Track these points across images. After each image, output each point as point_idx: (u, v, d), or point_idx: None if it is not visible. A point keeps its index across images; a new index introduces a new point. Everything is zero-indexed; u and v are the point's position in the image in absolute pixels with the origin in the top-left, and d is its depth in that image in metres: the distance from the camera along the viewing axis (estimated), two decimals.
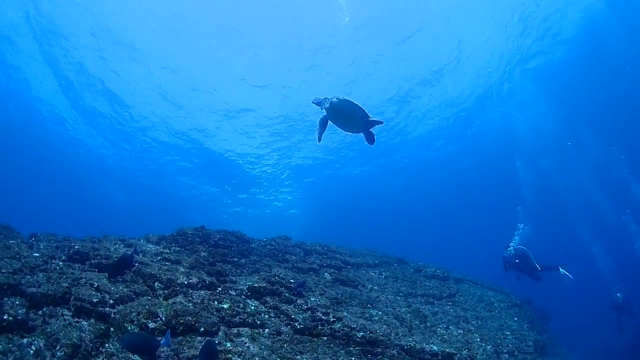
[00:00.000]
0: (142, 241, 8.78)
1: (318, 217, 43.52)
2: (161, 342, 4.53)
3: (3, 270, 5.20)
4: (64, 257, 6.69)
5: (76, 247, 6.85)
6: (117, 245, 7.79)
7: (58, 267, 6.05)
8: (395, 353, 6.19)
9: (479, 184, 35.55)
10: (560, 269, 12.28)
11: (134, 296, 5.75)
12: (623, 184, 26.76)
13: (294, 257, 9.52)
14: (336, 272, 9.27)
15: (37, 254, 6.40)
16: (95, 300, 5.13)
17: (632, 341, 15.76)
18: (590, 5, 18.26)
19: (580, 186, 29.73)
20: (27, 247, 6.76)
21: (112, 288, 5.69)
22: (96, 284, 5.60)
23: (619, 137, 25.10)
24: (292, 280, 7.13)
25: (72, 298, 5.07)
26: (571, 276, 12.20)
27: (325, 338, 6.11)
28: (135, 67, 22.09)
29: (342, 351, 5.86)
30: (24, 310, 4.53)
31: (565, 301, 29.55)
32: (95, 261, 6.56)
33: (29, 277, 5.36)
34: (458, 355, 6.71)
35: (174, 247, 8.32)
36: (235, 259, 8.22)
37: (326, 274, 8.90)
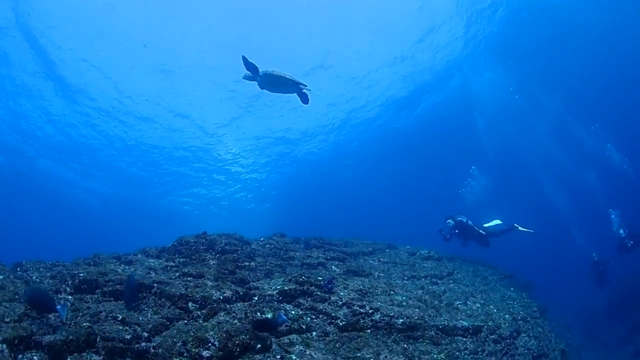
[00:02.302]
0: (140, 256, 8.30)
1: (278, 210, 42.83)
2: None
3: (7, 320, 4.32)
4: (70, 290, 6.02)
5: (81, 275, 6.19)
6: (121, 267, 7.21)
7: (69, 304, 5.33)
8: (434, 334, 6.41)
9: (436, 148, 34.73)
10: (517, 225, 12.81)
11: (169, 323, 5.21)
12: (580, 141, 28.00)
13: (297, 254, 9.40)
14: (341, 263, 9.29)
15: None
16: (127, 336, 4.45)
17: (610, 299, 17.22)
18: None
19: (539, 143, 30.63)
20: (22, 283, 6.00)
21: (140, 318, 5.10)
22: (120, 316, 4.95)
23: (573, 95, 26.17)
24: (320, 278, 6.99)
25: (98, 339, 4.31)
26: (531, 230, 12.75)
27: (369, 330, 6.13)
28: None
29: (389, 340, 5.96)
30: None
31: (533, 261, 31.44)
32: (109, 288, 5.97)
33: (39, 321, 4.53)
34: (485, 326, 7.11)
35: (178, 259, 7.92)
36: (246, 263, 7.95)
37: (333, 267, 8.88)
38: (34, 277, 6.59)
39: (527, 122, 28.96)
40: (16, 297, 5.17)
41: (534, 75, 25.11)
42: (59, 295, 5.70)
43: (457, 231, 12.40)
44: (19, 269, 7.12)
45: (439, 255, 11.49)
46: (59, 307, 4.32)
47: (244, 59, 6.56)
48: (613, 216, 17.21)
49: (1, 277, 6.02)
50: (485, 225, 12.83)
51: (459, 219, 12.52)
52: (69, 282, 6.12)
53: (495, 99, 26.83)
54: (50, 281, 6.39)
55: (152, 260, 7.89)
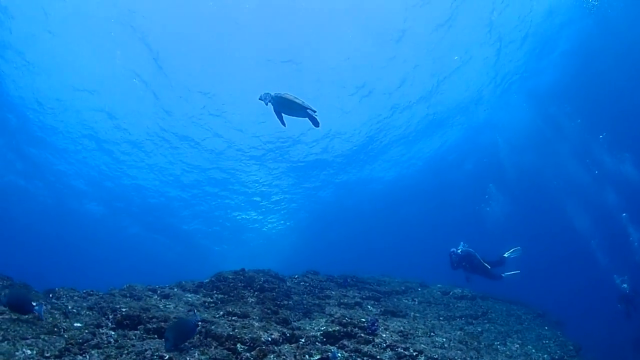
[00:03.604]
0: (176, 290, 8.33)
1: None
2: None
3: (47, 355, 4.27)
4: (111, 325, 5.84)
5: (123, 310, 6.04)
6: (162, 301, 7.26)
7: (112, 340, 5.22)
8: None
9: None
10: (504, 275, 12.39)
11: None
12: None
13: (333, 293, 9.43)
14: (376, 303, 9.29)
15: (79, 324, 5.61)
16: None
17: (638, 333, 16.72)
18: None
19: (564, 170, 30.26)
20: (61, 314, 5.94)
21: (187, 358, 4.99)
22: (167, 356, 4.84)
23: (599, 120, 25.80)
24: (363, 320, 6.99)
25: None
26: (517, 271, 12.43)
27: None
28: None
29: None
30: None
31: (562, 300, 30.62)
32: (153, 325, 5.78)
33: (81, 357, 4.50)
34: None
35: (216, 295, 7.95)
36: (285, 302, 8.01)
37: (369, 307, 8.88)
38: (69, 307, 6.40)
39: (549, 145, 28.83)
40: (55, 329, 5.15)
41: (555, 100, 25.17)
42: (101, 330, 5.53)
43: (464, 264, 11.98)
44: (51, 295, 7.08)
45: (473, 295, 11.41)
46: (36, 308, 4.58)
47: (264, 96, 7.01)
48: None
49: (37, 306, 6.02)
50: (506, 254, 12.57)
51: (465, 249, 12.13)
52: (110, 317, 6.01)
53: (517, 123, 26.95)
54: (88, 312, 6.27)
55: (189, 295, 7.92)
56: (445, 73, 21.98)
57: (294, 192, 33.69)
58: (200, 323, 5.54)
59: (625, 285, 15.67)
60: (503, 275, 12.33)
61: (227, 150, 26.90)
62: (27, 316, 5.09)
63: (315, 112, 6.98)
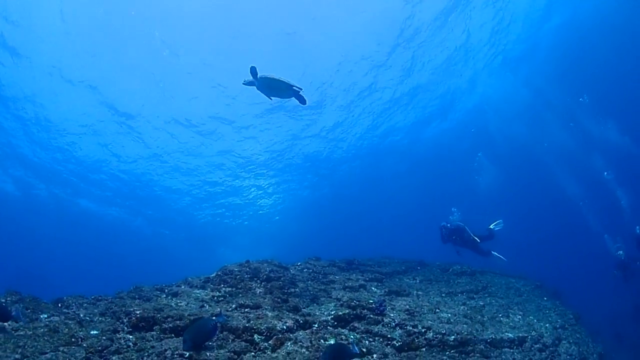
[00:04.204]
0: (184, 287, 8.40)
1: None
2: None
3: None
4: (127, 328, 5.82)
5: (137, 312, 6.02)
6: (173, 300, 7.35)
7: (131, 344, 5.24)
8: (483, 347, 6.70)
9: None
10: (493, 252, 12.55)
11: (237, 357, 5.21)
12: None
13: (337, 277, 9.63)
14: (380, 284, 9.53)
15: (95, 331, 5.56)
16: None
17: (636, 303, 17.16)
18: None
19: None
20: (75, 323, 5.90)
21: (207, 353, 5.06)
22: (187, 354, 4.90)
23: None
24: (371, 301, 7.21)
25: None
26: (504, 258, 12.54)
27: (424, 349, 6.35)
28: None
29: (445, 357, 6.20)
30: None
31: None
32: (169, 325, 5.77)
33: None
34: (529, 336, 7.47)
35: (224, 288, 8.03)
36: (292, 290, 8.18)
37: (374, 288, 9.11)
38: (81, 315, 6.38)
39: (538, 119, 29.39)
40: (73, 339, 5.14)
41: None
42: (118, 335, 5.54)
43: (454, 237, 12.17)
44: (60, 305, 7.03)
45: (472, 270, 11.73)
46: (14, 313, 4.66)
47: (253, 68, 6.97)
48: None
49: (55, 318, 6.00)
50: (491, 226, 12.64)
51: (455, 223, 12.35)
52: (125, 320, 6.01)
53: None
54: (101, 318, 6.27)
55: (198, 291, 7.98)
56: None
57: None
58: (219, 324, 5.45)
59: (620, 252, 15.94)
60: (493, 252, 12.49)
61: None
62: (7, 323, 5.13)
63: (301, 89, 7.10)
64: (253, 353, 5.41)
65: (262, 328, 5.88)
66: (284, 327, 6.05)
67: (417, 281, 10.44)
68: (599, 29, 22.22)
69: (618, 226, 20.51)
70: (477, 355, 6.43)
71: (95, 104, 22.25)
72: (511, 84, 25.99)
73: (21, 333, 5.22)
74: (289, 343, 5.66)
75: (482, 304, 9.04)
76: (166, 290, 8.21)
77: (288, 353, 5.35)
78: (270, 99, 7.40)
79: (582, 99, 25.83)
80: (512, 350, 6.94)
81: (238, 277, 8.44)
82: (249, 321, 6.08)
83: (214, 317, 5.32)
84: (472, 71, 24.54)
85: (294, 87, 7.03)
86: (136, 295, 7.81)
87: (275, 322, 6.13)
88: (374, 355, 5.92)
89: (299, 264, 10.66)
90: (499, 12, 20.16)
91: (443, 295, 9.39)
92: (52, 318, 6.02)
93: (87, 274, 43.32)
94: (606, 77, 25.38)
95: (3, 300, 6.48)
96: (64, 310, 6.79)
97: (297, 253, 13.62)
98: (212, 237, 41.87)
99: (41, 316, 6.08)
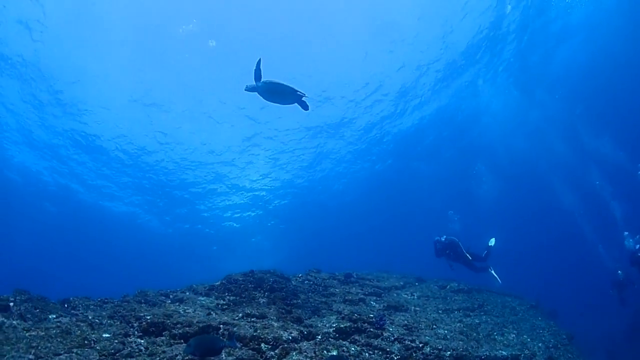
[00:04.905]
0: (189, 294, 8.60)
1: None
2: None
3: None
4: (138, 333, 6.01)
5: (147, 317, 6.24)
6: (180, 306, 7.58)
7: (142, 348, 5.39)
8: None
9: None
10: (491, 270, 12.90)
11: None
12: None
13: (337, 290, 9.84)
14: (378, 299, 9.76)
15: (107, 335, 5.70)
16: None
17: (631, 323, 17.32)
18: None
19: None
20: (87, 326, 6.01)
21: None
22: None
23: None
24: (371, 315, 7.47)
25: None
26: (499, 280, 12.92)
27: None
28: None
29: None
30: None
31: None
32: (179, 331, 5.99)
33: None
34: (522, 355, 7.72)
35: (228, 297, 8.25)
36: (294, 301, 8.40)
37: (373, 303, 9.34)
38: (90, 317, 6.48)
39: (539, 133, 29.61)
40: (85, 342, 5.24)
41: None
42: (129, 339, 5.66)
43: (448, 252, 12.46)
44: (66, 305, 7.17)
45: (469, 288, 11.99)
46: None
47: (258, 62, 6.83)
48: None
49: (64, 319, 6.11)
50: (489, 244, 12.97)
51: (450, 237, 12.57)
52: (135, 325, 6.21)
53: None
54: (110, 322, 6.40)
55: (202, 299, 8.19)
56: None
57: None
58: (226, 348, 5.41)
59: (620, 272, 15.98)
60: (490, 270, 12.81)
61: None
62: (16, 322, 5.37)
63: (305, 95, 7.04)
64: None
65: (269, 337, 6.10)
66: (290, 337, 6.29)
67: (415, 297, 10.69)
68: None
69: (612, 239, 20.70)
70: None
71: None
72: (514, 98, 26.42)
73: (33, 333, 5.34)
74: (294, 353, 5.89)
75: (477, 321, 9.29)
76: (171, 296, 8.40)
77: None
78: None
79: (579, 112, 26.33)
80: None
81: (242, 286, 8.69)
82: (255, 330, 6.31)
83: (224, 340, 5.37)
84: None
85: (298, 92, 6.97)
86: (142, 300, 7.96)
87: (281, 332, 6.36)
88: None
89: (299, 275, 10.88)
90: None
91: (440, 311, 9.64)
92: (61, 319, 6.16)
93: (91, 273, 43.34)
94: (604, 92, 25.91)
95: (12, 299, 6.68)
96: (72, 311, 6.93)
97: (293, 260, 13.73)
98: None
99: (50, 316, 6.23)
